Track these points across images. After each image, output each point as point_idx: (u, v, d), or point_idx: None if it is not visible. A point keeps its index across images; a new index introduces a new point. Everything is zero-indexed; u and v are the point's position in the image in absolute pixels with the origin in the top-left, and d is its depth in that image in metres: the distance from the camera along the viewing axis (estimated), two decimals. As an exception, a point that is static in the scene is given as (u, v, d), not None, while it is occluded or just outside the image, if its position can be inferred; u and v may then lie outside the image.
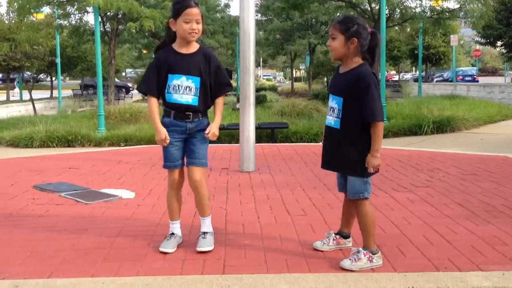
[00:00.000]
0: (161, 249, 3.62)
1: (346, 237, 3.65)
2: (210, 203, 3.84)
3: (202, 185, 3.69)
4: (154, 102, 3.60)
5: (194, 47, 3.60)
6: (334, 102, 3.32)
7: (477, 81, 38.54)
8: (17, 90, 29.35)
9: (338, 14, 27.20)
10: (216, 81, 3.62)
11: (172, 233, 3.75)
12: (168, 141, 3.57)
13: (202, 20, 3.55)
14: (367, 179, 3.32)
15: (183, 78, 3.54)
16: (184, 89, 3.54)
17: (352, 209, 3.50)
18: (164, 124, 3.62)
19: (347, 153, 3.28)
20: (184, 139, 3.65)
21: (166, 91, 3.57)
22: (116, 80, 27.14)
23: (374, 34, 3.27)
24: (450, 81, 39.82)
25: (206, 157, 3.69)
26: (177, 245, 3.71)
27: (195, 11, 3.46)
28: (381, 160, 3.25)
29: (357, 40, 3.20)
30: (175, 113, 3.59)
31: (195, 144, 3.64)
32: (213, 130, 3.60)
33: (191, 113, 3.57)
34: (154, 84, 3.59)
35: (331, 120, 3.34)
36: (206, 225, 3.76)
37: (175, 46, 3.60)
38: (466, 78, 41.26)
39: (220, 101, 3.70)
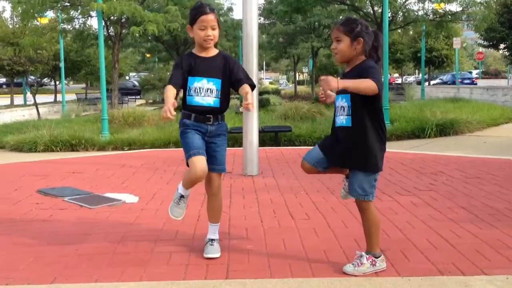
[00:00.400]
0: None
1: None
2: (221, 211, 3.84)
3: (220, 191, 3.73)
4: (171, 88, 3.47)
5: (214, 51, 3.63)
6: (343, 101, 3.28)
7: (476, 84, 38.64)
8: (29, 94, 29.45)
9: (340, 17, 27.23)
10: (237, 77, 3.57)
11: (182, 196, 3.62)
12: (172, 114, 3.26)
13: (219, 25, 3.57)
14: (374, 183, 3.31)
15: (204, 80, 3.56)
16: (205, 91, 3.55)
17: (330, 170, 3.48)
18: (184, 124, 3.58)
19: (360, 148, 3.22)
20: (205, 141, 3.61)
21: (187, 94, 3.58)
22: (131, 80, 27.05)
23: (377, 34, 3.27)
24: (449, 84, 39.97)
25: (225, 162, 3.70)
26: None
27: (210, 18, 3.48)
28: (333, 86, 3.02)
29: (363, 39, 3.18)
30: (195, 116, 3.57)
31: (216, 150, 3.63)
32: (249, 100, 3.36)
33: (211, 116, 3.58)
34: (179, 77, 3.54)
35: (343, 119, 3.28)
36: (214, 231, 3.76)
37: (195, 51, 3.64)
38: (465, 81, 41.40)
39: (245, 86, 3.51)
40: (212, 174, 3.63)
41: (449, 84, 41.33)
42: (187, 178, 3.52)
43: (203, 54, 3.61)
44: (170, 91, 3.44)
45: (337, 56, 3.29)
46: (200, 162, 3.43)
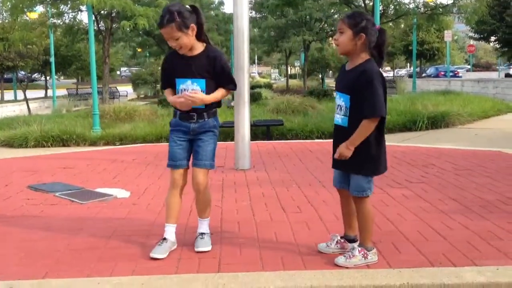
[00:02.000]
0: (151, 254, 3.51)
1: (352, 240, 3.47)
2: (210, 206, 3.82)
3: (204, 186, 3.69)
4: (168, 91, 3.70)
5: (198, 48, 3.56)
6: (341, 100, 3.26)
7: (460, 77, 39.07)
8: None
9: (332, 10, 27.28)
10: (219, 82, 3.59)
11: (165, 238, 3.63)
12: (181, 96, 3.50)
13: (185, 29, 3.42)
14: (371, 178, 3.31)
15: (189, 81, 3.55)
16: (190, 92, 3.52)
17: (351, 207, 3.44)
18: (171, 124, 3.68)
19: (355, 151, 3.20)
20: (189, 140, 3.64)
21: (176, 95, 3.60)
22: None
23: (382, 32, 3.24)
24: (433, 77, 40.38)
25: (211, 158, 3.66)
26: (170, 251, 3.59)
27: (165, 31, 3.43)
28: (348, 155, 3.19)
29: (365, 35, 3.16)
30: (180, 113, 3.61)
31: (200, 145, 3.62)
32: (197, 94, 3.49)
33: (195, 114, 3.57)
34: (165, 82, 3.71)
35: (339, 118, 3.29)
36: (204, 226, 3.75)
37: None
38: (447, 74, 41.93)
39: (220, 89, 3.61)
40: (195, 169, 3.64)
41: (433, 77, 41.65)
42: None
43: (188, 53, 3.55)
44: (169, 94, 3.66)
45: (338, 47, 3.28)
46: (174, 173, 3.65)
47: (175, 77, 3.59)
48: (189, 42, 3.50)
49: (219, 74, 3.58)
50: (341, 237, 3.54)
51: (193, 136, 3.63)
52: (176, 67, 3.60)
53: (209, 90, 3.55)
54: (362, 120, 3.15)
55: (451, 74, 41.59)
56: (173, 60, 3.63)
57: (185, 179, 3.69)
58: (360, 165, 3.25)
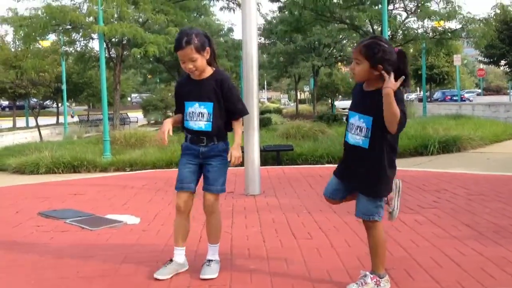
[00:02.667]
0: (155, 275, 3.54)
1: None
2: (221, 232, 3.79)
3: (214, 211, 3.68)
4: (175, 117, 3.76)
5: (208, 72, 3.60)
6: (361, 121, 3.18)
7: (465, 101, 39.87)
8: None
9: (340, 36, 27.40)
10: (229, 106, 3.61)
11: (171, 259, 3.66)
12: (165, 137, 3.53)
13: (202, 52, 3.48)
14: (380, 203, 3.27)
15: (196, 104, 3.58)
16: (197, 115, 3.57)
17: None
18: (182, 148, 3.71)
19: (373, 173, 3.18)
20: (199, 164, 3.65)
21: (184, 118, 3.64)
22: None
23: (401, 54, 3.14)
24: (440, 101, 40.75)
25: (221, 183, 3.65)
26: (178, 273, 3.62)
27: (186, 52, 3.45)
28: (393, 87, 3.03)
29: (382, 66, 3.07)
30: (190, 137, 3.65)
31: (209, 170, 3.62)
32: (233, 153, 3.58)
33: (204, 138, 3.59)
34: (176, 107, 3.78)
35: (359, 139, 3.20)
36: (212, 252, 3.72)
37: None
38: (454, 98, 42.82)
39: (235, 125, 3.68)
40: (205, 193, 3.65)
41: (440, 101, 41.94)
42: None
43: (197, 77, 3.61)
44: (174, 117, 3.73)
45: (355, 76, 3.21)
46: (180, 196, 3.64)
47: (184, 100, 3.63)
48: (204, 65, 3.55)
49: (227, 97, 3.59)
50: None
51: (202, 160, 3.63)
52: (185, 91, 3.64)
53: (216, 114, 3.57)
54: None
55: (456, 98, 42.03)
56: (183, 84, 3.71)
57: (191, 204, 3.68)
58: (376, 187, 3.21)
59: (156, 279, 3.52)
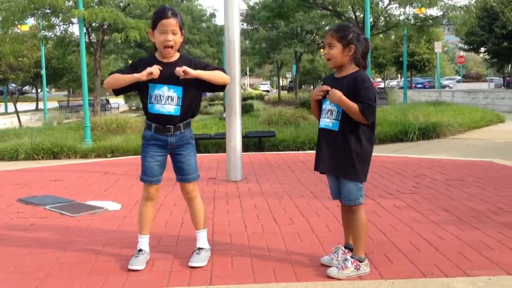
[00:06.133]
0: (130, 266, 3.50)
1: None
2: (205, 216, 3.78)
3: (195, 196, 3.68)
4: (119, 74, 3.46)
5: (175, 56, 3.52)
6: (332, 105, 3.29)
7: (427, 87, 43.70)
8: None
9: (323, 22, 27.44)
10: (203, 83, 3.46)
11: (140, 249, 3.63)
12: (155, 71, 3.32)
13: (182, 31, 3.46)
14: (361, 185, 3.32)
15: (165, 87, 3.46)
16: (166, 99, 3.46)
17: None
18: (144, 137, 3.57)
19: (345, 155, 3.26)
20: (166, 154, 3.58)
21: (148, 101, 3.49)
22: None
23: (366, 41, 3.34)
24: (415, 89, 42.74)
25: (196, 170, 3.63)
26: (146, 262, 3.60)
27: (171, 22, 3.38)
28: (336, 98, 3.20)
29: (355, 47, 3.24)
30: (156, 126, 3.51)
31: (182, 161, 3.58)
32: (186, 68, 3.34)
33: (171, 126, 3.49)
34: (124, 71, 3.49)
35: (329, 122, 3.31)
36: (201, 240, 3.71)
37: (157, 55, 3.54)
38: (418, 86, 47.08)
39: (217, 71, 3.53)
40: (184, 184, 3.63)
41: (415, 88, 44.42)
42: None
43: (165, 60, 3.48)
44: (121, 75, 3.44)
45: (330, 61, 3.34)
46: (150, 188, 3.60)
47: (149, 82, 3.42)
48: (179, 44, 3.47)
49: (204, 67, 3.49)
50: (344, 247, 3.50)
51: (171, 150, 3.56)
52: None
53: (185, 98, 3.47)
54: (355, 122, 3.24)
55: (420, 86, 44.00)
56: (147, 63, 3.43)
57: (158, 192, 3.67)
58: (351, 169, 3.27)
59: (131, 270, 3.48)
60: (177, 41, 3.44)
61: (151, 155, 3.55)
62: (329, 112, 3.32)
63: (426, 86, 47.28)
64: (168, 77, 3.43)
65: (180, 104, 3.48)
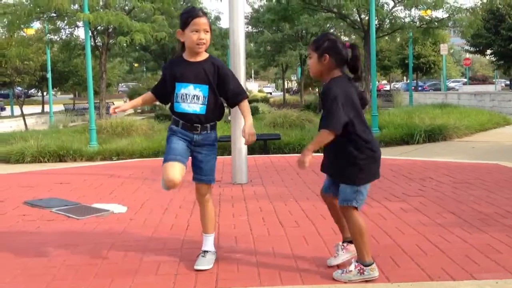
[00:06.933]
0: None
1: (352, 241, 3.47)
2: (215, 221, 3.78)
3: (209, 200, 3.66)
4: (147, 93, 3.82)
5: (203, 55, 3.55)
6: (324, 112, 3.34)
7: (427, 90, 44.11)
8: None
9: (328, 25, 27.41)
10: (229, 90, 3.54)
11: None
12: (116, 110, 3.65)
13: (210, 30, 3.51)
14: (358, 188, 3.29)
15: (191, 86, 3.49)
16: (192, 98, 3.49)
17: (338, 212, 3.48)
18: (171, 129, 3.58)
19: (339, 160, 3.29)
20: (190, 149, 3.57)
21: (174, 100, 3.54)
22: None
23: (353, 48, 3.32)
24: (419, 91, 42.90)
25: (213, 173, 3.62)
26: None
27: (203, 21, 3.44)
28: (306, 160, 3.18)
29: (329, 55, 3.25)
30: (183, 123, 3.53)
31: (202, 160, 3.57)
32: (247, 130, 3.43)
33: (199, 125, 3.52)
34: (157, 85, 3.76)
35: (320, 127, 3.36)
36: (208, 243, 3.70)
37: (184, 55, 3.57)
38: (418, 88, 46.71)
39: (242, 106, 3.59)
40: (198, 184, 3.61)
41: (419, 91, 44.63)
42: (162, 184, 3.55)
43: (192, 59, 3.53)
44: (142, 96, 3.80)
45: (310, 71, 3.41)
46: (171, 168, 3.41)
47: (176, 81, 3.51)
48: (209, 43, 3.52)
49: (227, 81, 3.52)
50: (342, 242, 3.54)
51: (194, 147, 3.56)
52: (178, 71, 3.52)
53: (210, 98, 3.50)
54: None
55: (420, 88, 44.28)
56: (175, 64, 3.58)
57: (182, 179, 3.46)
58: (345, 174, 3.29)
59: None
60: (208, 39, 3.49)
61: (176, 140, 3.53)
62: (324, 119, 3.33)
63: (426, 89, 47.37)
64: (194, 76, 3.49)
65: (206, 103, 3.50)
